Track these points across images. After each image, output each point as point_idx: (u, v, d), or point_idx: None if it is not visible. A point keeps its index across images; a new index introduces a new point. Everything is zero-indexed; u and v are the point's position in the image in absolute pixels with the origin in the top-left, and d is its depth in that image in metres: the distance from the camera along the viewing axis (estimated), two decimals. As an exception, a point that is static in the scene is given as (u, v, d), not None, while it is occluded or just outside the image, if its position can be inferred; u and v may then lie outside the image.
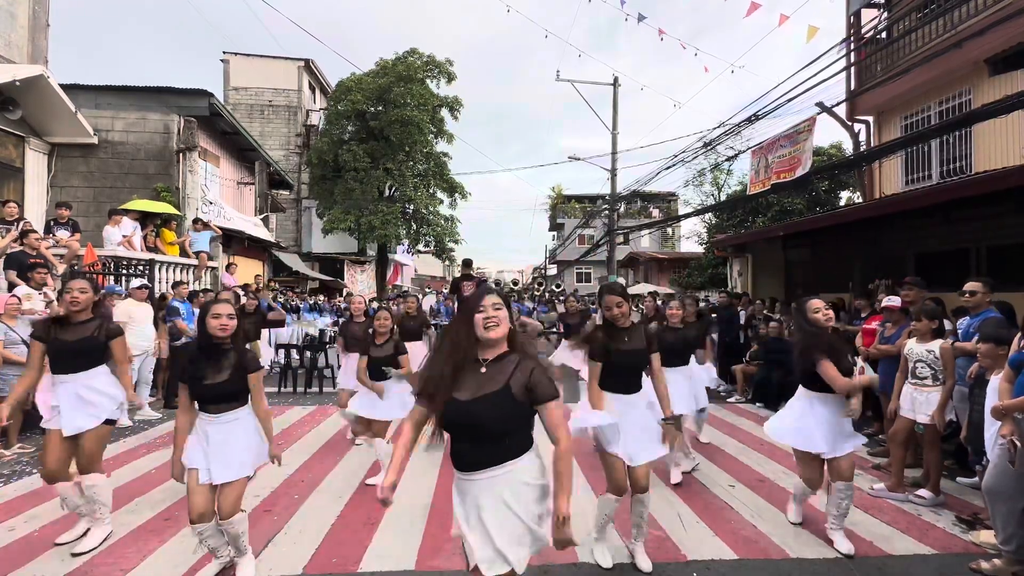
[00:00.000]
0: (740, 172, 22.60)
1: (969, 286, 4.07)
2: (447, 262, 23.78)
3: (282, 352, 8.96)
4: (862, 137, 10.88)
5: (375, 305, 10.45)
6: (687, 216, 17.25)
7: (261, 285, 11.74)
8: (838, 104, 9.74)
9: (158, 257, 8.99)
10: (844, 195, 18.20)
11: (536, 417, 1.86)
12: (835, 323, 3.20)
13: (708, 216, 20.97)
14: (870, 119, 10.83)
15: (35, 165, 9.80)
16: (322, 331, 11.68)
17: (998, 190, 5.61)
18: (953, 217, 6.75)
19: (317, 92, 24.41)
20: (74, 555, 2.97)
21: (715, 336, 8.55)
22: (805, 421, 3.16)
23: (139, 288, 6.60)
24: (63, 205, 8.12)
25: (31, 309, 5.33)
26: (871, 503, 3.80)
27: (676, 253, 29.72)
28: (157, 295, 7.90)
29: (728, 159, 16.99)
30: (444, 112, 20.75)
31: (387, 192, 20.67)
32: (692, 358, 4.70)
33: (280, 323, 9.34)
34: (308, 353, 8.81)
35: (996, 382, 3.02)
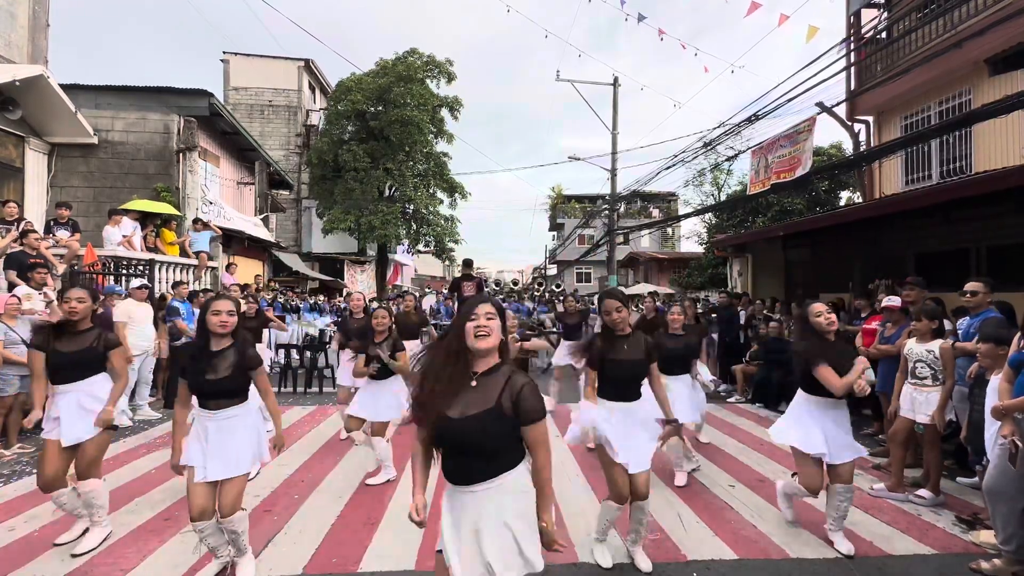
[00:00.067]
0: (740, 172, 22.63)
1: (970, 286, 4.07)
2: (447, 262, 23.76)
3: (282, 352, 8.96)
4: (862, 137, 10.88)
5: (375, 305, 10.45)
6: (687, 216, 17.24)
7: (261, 285, 11.74)
8: (838, 104, 9.75)
9: (158, 257, 8.98)
10: (844, 195, 18.20)
11: None
12: (837, 326, 3.19)
13: (708, 216, 20.96)
14: (870, 119, 10.83)
15: (35, 165, 9.80)
16: (322, 331, 11.68)
17: (998, 190, 5.60)
18: (953, 217, 6.75)
19: (317, 92, 24.41)
20: (74, 556, 2.97)
21: (715, 336, 8.57)
22: (805, 423, 3.16)
23: (139, 288, 6.60)
24: (63, 205, 8.12)
25: (31, 309, 5.33)
26: (871, 503, 3.80)
27: (676, 253, 29.72)
28: (157, 295, 7.90)
29: (728, 159, 17.00)
30: (444, 112, 20.74)
31: (387, 192, 20.66)
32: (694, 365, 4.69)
33: (281, 328, 9.35)
34: (308, 353, 8.81)
35: (996, 382, 3.02)
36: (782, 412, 3.53)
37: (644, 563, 2.93)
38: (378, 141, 19.75)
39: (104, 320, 3.34)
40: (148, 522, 3.45)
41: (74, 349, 3.07)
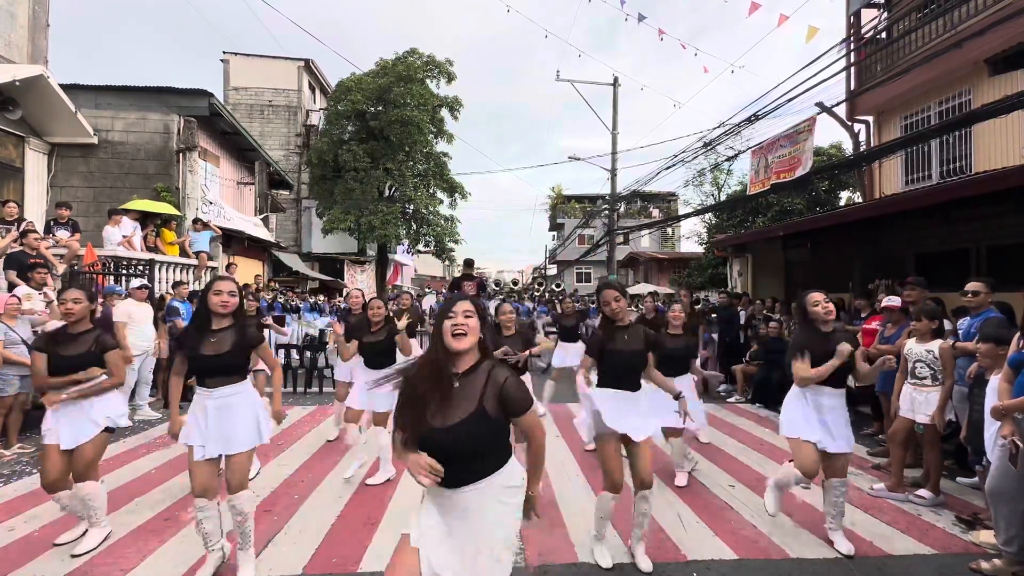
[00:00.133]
0: (740, 172, 22.62)
1: (971, 286, 4.07)
2: (447, 262, 23.74)
3: (282, 352, 8.96)
4: (862, 137, 10.88)
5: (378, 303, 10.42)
6: (687, 216, 17.24)
7: (261, 285, 11.74)
8: (838, 104, 9.74)
9: (158, 257, 8.99)
10: (844, 195, 18.20)
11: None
12: (834, 315, 3.19)
13: (708, 216, 20.95)
14: (870, 119, 10.83)
15: (35, 165, 9.80)
16: (322, 331, 11.66)
17: (998, 190, 5.61)
18: (953, 217, 6.75)
19: (317, 92, 24.40)
20: (73, 556, 2.97)
21: (715, 336, 8.56)
22: (805, 412, 3.15)
23: (139, 288, 6.60)
24: (63, 205, 8.13)
25: (31, 309, 5.33)
26: (871, 503, 3.80)
27: (676, 253, 29.72)
28: (157, 295, 7.91)
29: (728, 159, 17.00)
30: (444, 112, 20.73)
31: (387, 192, 20.65)
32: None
33: (280, 322, 9.35)
34: (308, 353, 8.81)
35: (996, 382, 3.02)
36: (782, 412, 3.52)
37: (645, 563, 2.93)
38: (378, 141, 19.75)
39: (104, 320, 3.33)
40: (148, 522, 3.45)
41: (73, 354, 3.06)
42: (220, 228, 11.07)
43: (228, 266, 11.14)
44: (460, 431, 1.70)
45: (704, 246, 21.99)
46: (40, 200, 9.88)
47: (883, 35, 9.94)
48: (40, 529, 3.32)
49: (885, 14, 10.21)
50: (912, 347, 3.92)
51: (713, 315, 9.11)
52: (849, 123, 10.71)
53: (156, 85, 13.34)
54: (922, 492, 3.79)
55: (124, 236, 8.66)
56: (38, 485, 3.94)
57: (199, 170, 11.42)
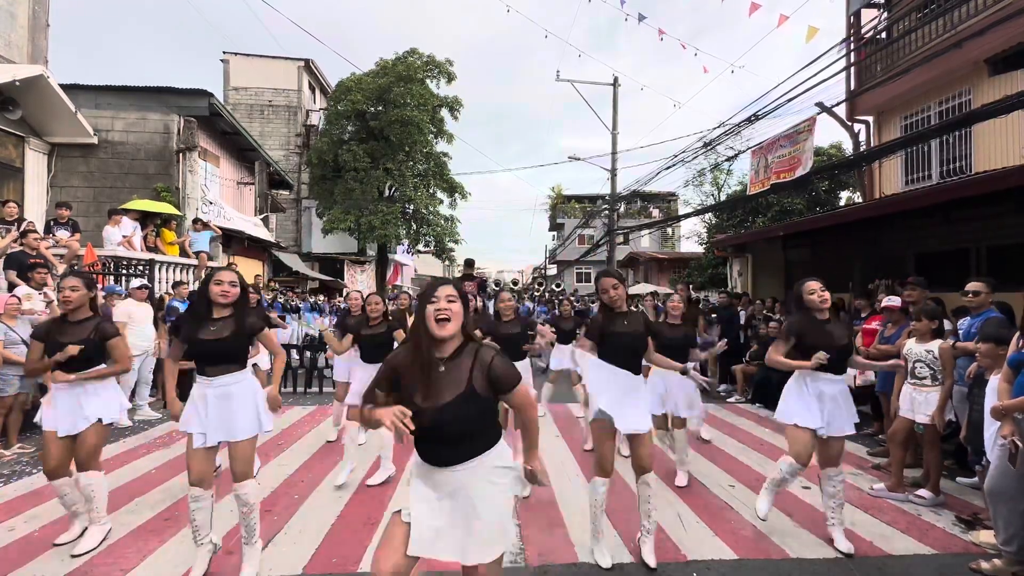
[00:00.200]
0: (740, 172, 22.61)
1: (972, 286, 4.07)
2: (447, 262, 23.75)
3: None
4: (862, 137, 10.88)
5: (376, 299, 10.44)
6: (687, 216, 17.24)
7: (261, 285, 11.75)
8: (838, 104, 9.74)
9: (158, 257, 8.99)
10: (844, 195, 18.20)
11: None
12: (829, 303, 3.20)
13: (708, 216, 20.95)
14: (870, 119, 10.83)
15: (35, 165, 9.80)
16: (322, 331, 11.67)
17: (998, 190, 5.61)
18: (953, 217, 6.75)
19: (317, 92, 24.40)
20: (73, 556, 2.97)
21: (715, 338, 8.56)
22: (805, 399, 3.15)
23: (139, 288, 6.61)
24: (63, 205, 8.12)
25: (31, 309, 5.33)
26: (871, 503, 3.80)
27: (676, 253, 29.71)
28: (157, 295, 7.91)
29: (728, 159, 16.98)
30: (444, 112, 20.74)
31: (387, 192, 20.66)
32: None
33: (280, 326, 9.37)
34: (308, 353, 8.81)
35: (995, 382, 3.02)
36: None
37: (650, 558, 2.94)
38: (378, 141, 19.75)
39: (104, 311, 3.35)
40: (148, 522, 3.45)
41: (72, 340, 3.06)
42: (220, 228, 11.07)
43: (228, 266, 11.13)
44: (449, 411, 1.70)
45: (704, 246, 21.98)
46: (40, 200, 9.88)
47: (883, 35, 9.94)
48: (40, 529, 3.32)
49: (885, 14, 10.21)
50: (912, 347, 3.92)
51: (713, 315, 9.11)
52: (849, 123, 10.71)
53: (156, 85, 13.35)
54: (922, 492, 3.79)
55: (124, 236, 8.66)
56: (38, 485, 3.96)
57: (199, 170, 11.43)
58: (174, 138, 10.68)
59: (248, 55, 22.30)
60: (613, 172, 16.04)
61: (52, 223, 8.04)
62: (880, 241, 7.99)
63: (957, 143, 8.90)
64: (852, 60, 9.75)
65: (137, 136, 10.60)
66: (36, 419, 3.22)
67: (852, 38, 9.97)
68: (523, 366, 4.34)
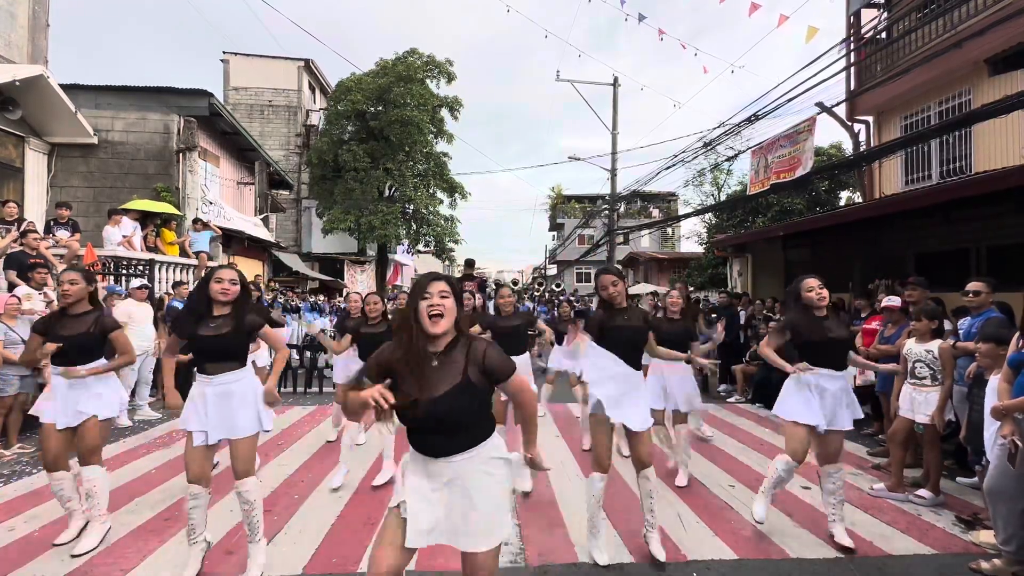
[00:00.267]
0: (740, 172, 22.61)
1: (972, 286, 4.07)
2: (447, 262, 23.74)
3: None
4: (862, 137, 10.88)
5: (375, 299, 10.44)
6: (687, 216, 17.24)
7: (262, 284, 11.74)
8: (838, 104, 9.75)
9: (158, 257, 8.98)
10: (844, 195, 18.19)
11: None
12: (827, 301, 3.20)
13: (708, 216, 20.95)
14: (870, 119, 10.83)
15: (35, 165, 9.80)
16: (322, 331, 11.67)
17: (998, 190, 5.61)
18: (953, 217, 6.75)
19: (317, 92, 24.39)
20: (74, 556, 2.97)
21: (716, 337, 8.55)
22: (804, 396, 3.15)
23: (139, 288, 6.61)
24: (63, 205, 8.12)
25: (31, 309, 5.33)
26: (871, 503, 3.80)
27: (676, 253, 29.70)
28: (157, 295, 7.90)
29: (728, 159, 16.98)
30: (444, 112, 20.73)
31: (387, 192, 20.65)
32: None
33: (279, 324, 9.35)
34: (308, 353, 8.81)
35: (995, 382, 3.02)
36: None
37: (659, 552, 2.96)
38: (378, 141, 19.74)
39: (104, 312, 3.37)
40: (148, 522, 3.45)
41: (72, 333, 3.07)
42: (220, 228, 11.07)
43: (228, 265, 11.13)
44: (445, 402, 1.70)
45: (704, 246, 21.97)
46: (40, 200, 9.88)
47: (883, 35, 9.94)
48: (40, 529, 3.32)
49: (885, 14, 10.21)
50: (912, 347, 3.92)
51: (713, 315, 9.11)
52: (849, 123, 10.71)
53: (156, 85, 13.35)
54: (922, 492, 3.79)
55: (124, 236, 8.65)
56: (38, 485, 3.96)
57: (199, 170, 11.42)
58: (174, 138, 10.68)
59: (248, 55, 22.29)
60: (613, 172, 16.04)
61: (52, 223, 8.04)
62: (880, 241, 7.99)
63: (957, 143, 8.90)
64: (852, 60, 9.75)
65: (137, 136, 10.60)
66: (32, 410, 3.22)
67: (852, 38, 9.97)
68: (523, 360, 4.35)
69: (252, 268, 14.05)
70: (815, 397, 3.12)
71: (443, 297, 1.74)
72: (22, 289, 5.59)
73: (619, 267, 4.44)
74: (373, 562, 1.72)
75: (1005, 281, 5.18)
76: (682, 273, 23.07)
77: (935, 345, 3.79)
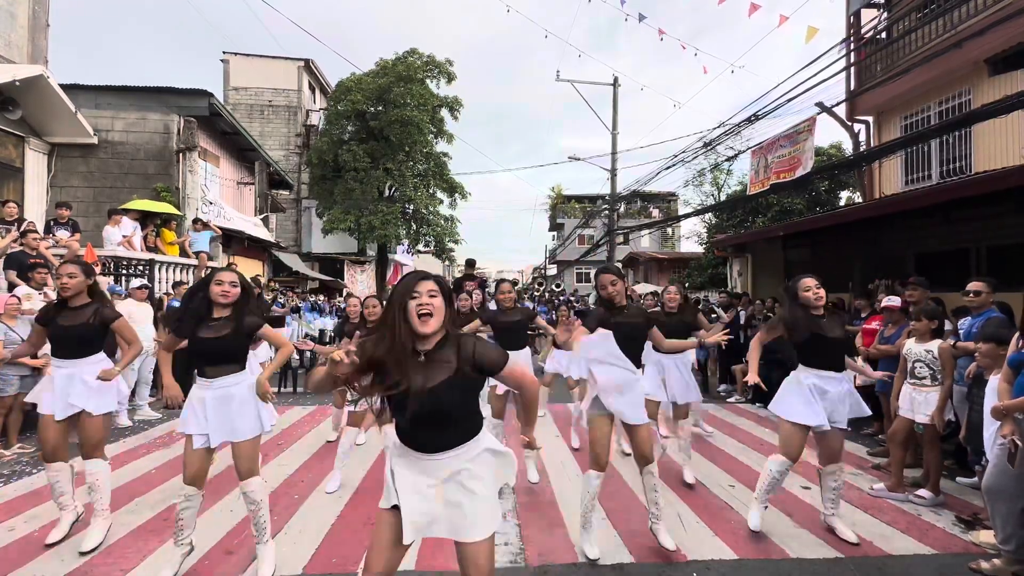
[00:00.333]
0: (740, 172, 22.61)
1: (973, 286, 4.07)
2: (447, 262, 23.73)
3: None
4: (862, 137, 10.88)
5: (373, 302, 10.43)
6: (687, 216, 17.24)
7: (262, 283, 11.74)
8: (838, 104, 9.75)
9: (158, 257, 8.98)
10: (844, 195, 18.20)
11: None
12: (824, 301, 3.20)
13: (708, 216, 20.95)
14: (870, 119, 10.83)
15: (35, 165, 9.80)
16: (322, 331, 11.67)
17: (998, 190, 5.61)
18: (953, 217, 6.75)
19: (317, 92, 24.38)
20: (82, 553, 2.98)
21: (724, 318, 8.53)
22: (805, 396, 3.14)
23: (139, 288, 6.61)
24: (63, 205, 8.12)
25: (31, 309, 5.32)
26: (871, 503, 3.80)
27: (676, 253, 29.70)
28: (157, 295, 7.90)
29: (728, 159, 16.98)
30: (444, 112, 20.72)
31: (387, 192, 20.64)
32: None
33: (280, 322, 9.36)
34: (308, 353, 8.81)
35: (995, 382, 3.02)
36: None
37: (668, 541, 2.98)
38: (378, 141, 19.74)
39: (103, 303, 3.38)
40: (148, 522, 3.45)
41: (72, 324, 3.08)
42: (220, 228, 11.07)
43: (228, 265, 11.13)
44: (437, 394, 1.70)
45: (704, 246, 21.98)
46: (40, 200, 9.88)
47: (883, 35, 9.94)
48: (40, 529, 3.32)
49: (885, 14, 10.21)
50: (911, 347, 3.92)
51: (713, 314, 9.10)
52: (849, 123, 10.72)
53: (156, 85, 13.35)
54: (922, 492, 3.79)
55: (124, 236, 8.65)
56: (38, 485, 3.96)
57: (199, 170, 11.42)
58: (174, 138, 10.68)
59: (248, 55, 22.28)
60: (613, 172, 16.04)
61: (52, 223, 8.03)
62: (880, 241, 7.99)
63: (957, 143, 8.90)
64: (852, 60, 9.76)
65: (137, 136, 10.60)
66: (28, 397, 3.24)
67: (852, 38, 9.98)
68: (524, 356, 4.37)
69: (252, 268, 14.05)
70: (815, 397, 3.12)
71: (431, 296, 1.73)
72: (22, 289, 5.59)
73: (618, 266, 4.46)
74: (367, 565, 1.74)
75: (1005, 281, 5.18)
76: (682, 273, 23.06)
77: (935, 345, 3.79)
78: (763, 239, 11.00)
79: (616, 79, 15.73)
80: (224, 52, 22.17)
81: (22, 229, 6.69)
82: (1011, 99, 5.74)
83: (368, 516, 3.53)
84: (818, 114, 9.25)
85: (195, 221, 10.34)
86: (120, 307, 6.15)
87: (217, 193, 12.58)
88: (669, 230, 31.65)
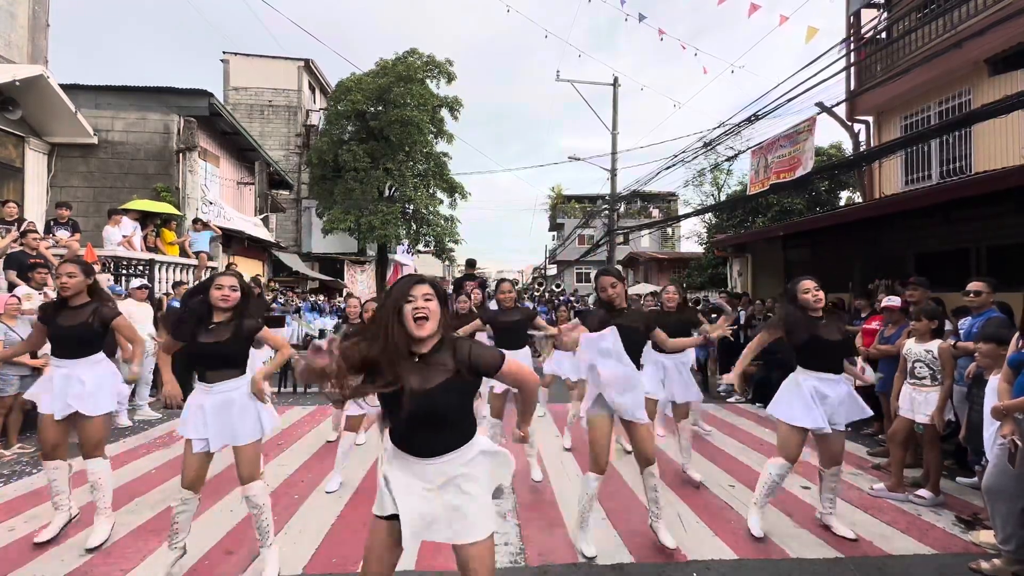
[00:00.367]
0: (740, 172, 22.62)
1: (973, 286, 4.07)
2: (447, 262, 23.73)
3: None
4: (862, 137, 10.88)
5: (373, 305, 10.43)
6: (687, 216, 17.24)
7: (263, 283, 11.73)
8: (838, 104, 9.75)
9: (158, 257, 8.99)
10: (844, 195, 18.20)
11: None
12: (823, 303, 3.19)
13: (708, 216, 20.95)
14: (870, 119, 10.83)
15: (35, 165, 9.80)
16: (322, 331, 11.67)
17: (998, 190, 5.61)
18: (953, 217, 6.75)
19: (317, 92, 24.38)
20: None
21: (728, 312, 8.52)
22: (804, 399, 3.13)
23: (139, 288, 6.61)
24: (63, 205, 8.12)
25: (31, 309, 5.33)
26: (871, 503, 3.80)
27: (676, 253, 29.69)
28: (157, 295, 7.90)
29: (728, 159, 16.99)
30: (444, 112, 20.72)
31: (387, 192, 20.65)
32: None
33: (280, 322, 9.35)
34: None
35: (995, 382, 3.02)
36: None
37: (668, 539, 3.00)
38: (378, 141, 19.74)
39: (104, 295, 3.38)
40: (148, 522, 3.45)
41: (71, 324, 3.08)
42: (220, 228, 11.07)
43: (228, 266, 11.13)
44: (434, 395, 1.70)
45: (704, 246, 21.98)
46: (40, 200, 9.88)
47: (883, 35, 9.94)
48: (40, 529, 3.32)
49: (885, 14, 10.21)
50: (911, 347, 3.92)
51: (714, 315, 9.10)
52: (849, 123, 10.72)
53: (156, 85, 13.35)
54: (922, 492, 3.79)
55: (124, 236, 8.65)
56: (38, 485, 3.96)
57: (199, 170, 11.42)
58: (174, 138, 10.68)
59: (248, 55, 22.28)
60: (613, 172, 16.04)
61: (52, 223, 8.03)
62: (880, 241, 7.99)
63: (957, 143, 8.90)
64: (852, 60, 9.76)
65: (137, 136, 10.60)
66: (27, 395, 3.26)
67: (852, 38, 9.98)
68: (523, 355, 4.36)
69: (252, 268, 14.05)
70: (815, 400, 3.11)
71: (427, 300, 1.73)
72: (22, 289, 5.59)
73: (619, 268, 4.46)
74: (365, 573, 1.77)
75: (1005, 281, 5.18)
76: (682, 273, 23.06)
77: (935, 345, 3.79)
78: (763, 239, 11.01)
79: (616, 79, 15.73)
80: (224, 52, 22.17)
81: (22, 229, 6.69)
82: (1011, 99, 5.74)
83: (368, 516, 3.53)
84: (818, 114, 9.25)
85: (195, 221, 10.34)
86: (120, 307, 6.17)
87: (217, 193, 12.58)
88: (669, 230, 31.65)
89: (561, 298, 18.58)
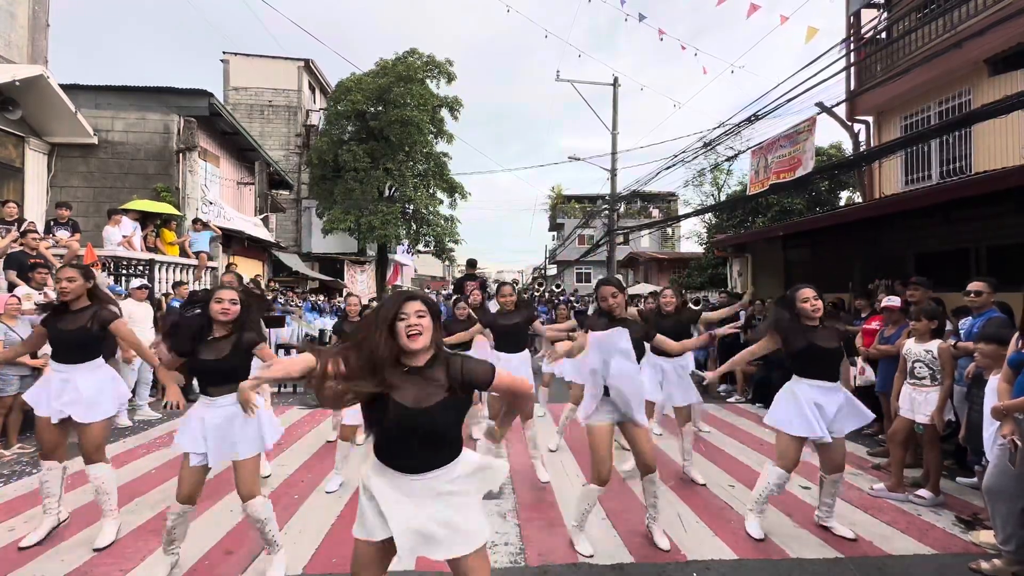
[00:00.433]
0: (740, 172, 22.62)
1: (974, 286, 4.07)
2: (447, 262, 23.75)
3: (282, 352, 8.95)
4: (862, 137, 10.88)
5: (374, 305, 10.43)
6: (687, 216, 17.25)
7: (263, 283, 11.72)
8: (838, 104, 9.75)
9: (158, 257, 8.99)
10: (844, 195, 18.20)
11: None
12: (822, 314, 3.18)
13: (708, 216, 20.95)
14: (870, 119, 10.83)
15: (35, 165, 9.80)
16: (322, 331, 11.67)
17: (998, 190, 5.60)
18: (953, 217, 6.75)
19: (317, 92, 24.38)
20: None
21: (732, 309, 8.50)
22: (798, 407, 3.13)
23: (139, 288, 6.61)
24: (63, 205, 8.12)
25: (31, 309, 5.33)
26: (871, 503, 3.80)
27: (676, 253, 29.70)
28: (157, 295, 7.90)
29: (728, 159, 16.99)
30: (444, 112, 20.73)
31: (387, 192, 20.65)
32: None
33: (280, 322, 9.35)
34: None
35: (995, 382, 3.02)
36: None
37: (663, 541, 3.04)
38: (378, 141, 19.74)
39: (103, 298, 3.36)
40: (148, 522, 3.45)
41: (71, 328, 3.08)
42: (220, 228, 11.07)
43: (228, 266, 11.13)
44: (433, 414, 1.70)
45: (704, 246, 21.99)
46: (40, 200, 9.87)
47: (883, 35, 9.94)
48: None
49: (885, 14, 10.21)
50: (911, 347, 3.92)
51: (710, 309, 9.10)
52: (849, 123, 10.71)
53: (156, 85, 13.35)
54: (922, 492, 3.79)
55: (124, 236, 8.65)
56: (38, 485, 3.95)
57: (199, 170, 11.42)
58: (174, 138, 10.68)
59: (248, 55, 22.28)
60: (613, 172, 16.03)
61: (52, 223, 8.03)
62: (880, 241, 7.99)
63: (957, 143, 8.90)
64: (852, 60, 9.75)
65: (137, 136, 10.60)
66: (25, 395, 3.26)
67: (852, 38, 9.98)
68: (523, 357, 4.35)
69: (252, 268, 14.05)
70: (810, 408, 3.09)
71: (420, 317, 1.73)
72: (22, 289, 5.59)
73: (619, 278, 4.49)
74: None
75: (1005, 281, 5.17)
76: (682, 273, 23.06)
77: (934, 345, 3.79)
78: (763, 239, 11.00)
79: (616, 79, 15.73)
80: (224, 52, 22.17)
81: (22, 229, 6.69)
82: (1011, 99, 5.74)
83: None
84: (818, 114, 9.25)
85: (195, 221, 10.34)
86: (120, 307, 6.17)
87: (217, 193, 12.58)
88: (669, 230, 31.66)
89: (561, 298, 18.57)
